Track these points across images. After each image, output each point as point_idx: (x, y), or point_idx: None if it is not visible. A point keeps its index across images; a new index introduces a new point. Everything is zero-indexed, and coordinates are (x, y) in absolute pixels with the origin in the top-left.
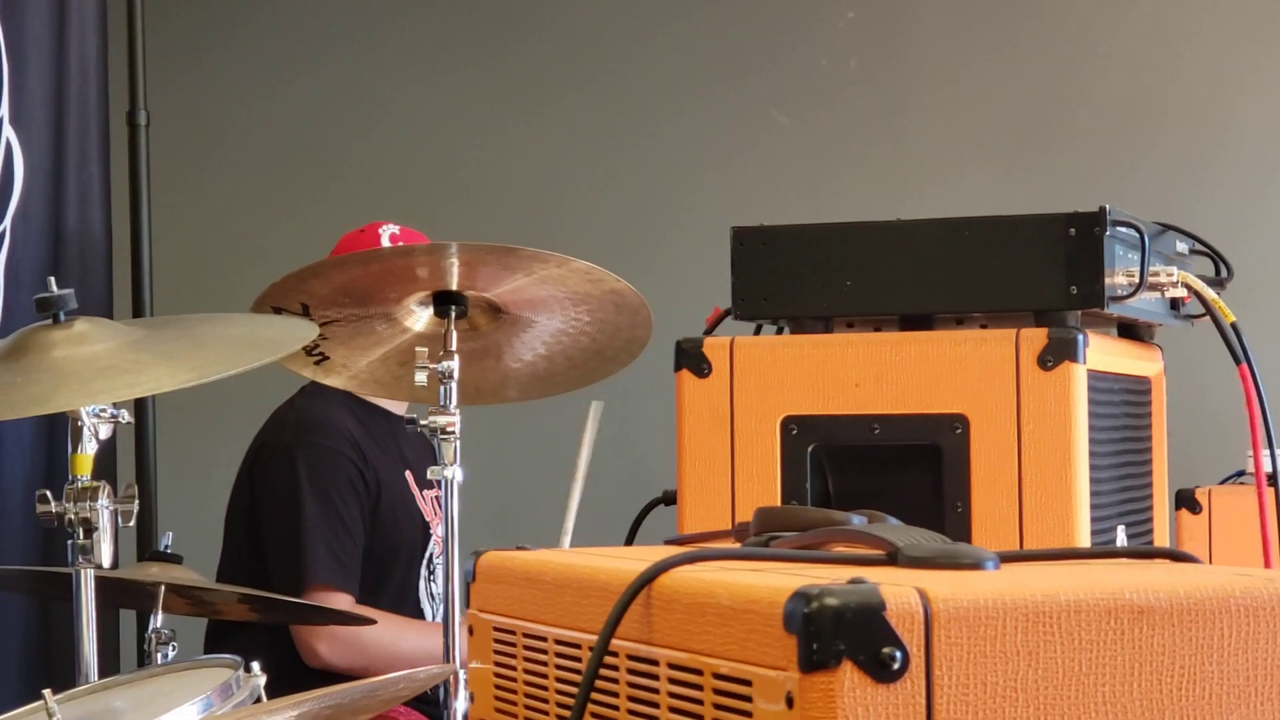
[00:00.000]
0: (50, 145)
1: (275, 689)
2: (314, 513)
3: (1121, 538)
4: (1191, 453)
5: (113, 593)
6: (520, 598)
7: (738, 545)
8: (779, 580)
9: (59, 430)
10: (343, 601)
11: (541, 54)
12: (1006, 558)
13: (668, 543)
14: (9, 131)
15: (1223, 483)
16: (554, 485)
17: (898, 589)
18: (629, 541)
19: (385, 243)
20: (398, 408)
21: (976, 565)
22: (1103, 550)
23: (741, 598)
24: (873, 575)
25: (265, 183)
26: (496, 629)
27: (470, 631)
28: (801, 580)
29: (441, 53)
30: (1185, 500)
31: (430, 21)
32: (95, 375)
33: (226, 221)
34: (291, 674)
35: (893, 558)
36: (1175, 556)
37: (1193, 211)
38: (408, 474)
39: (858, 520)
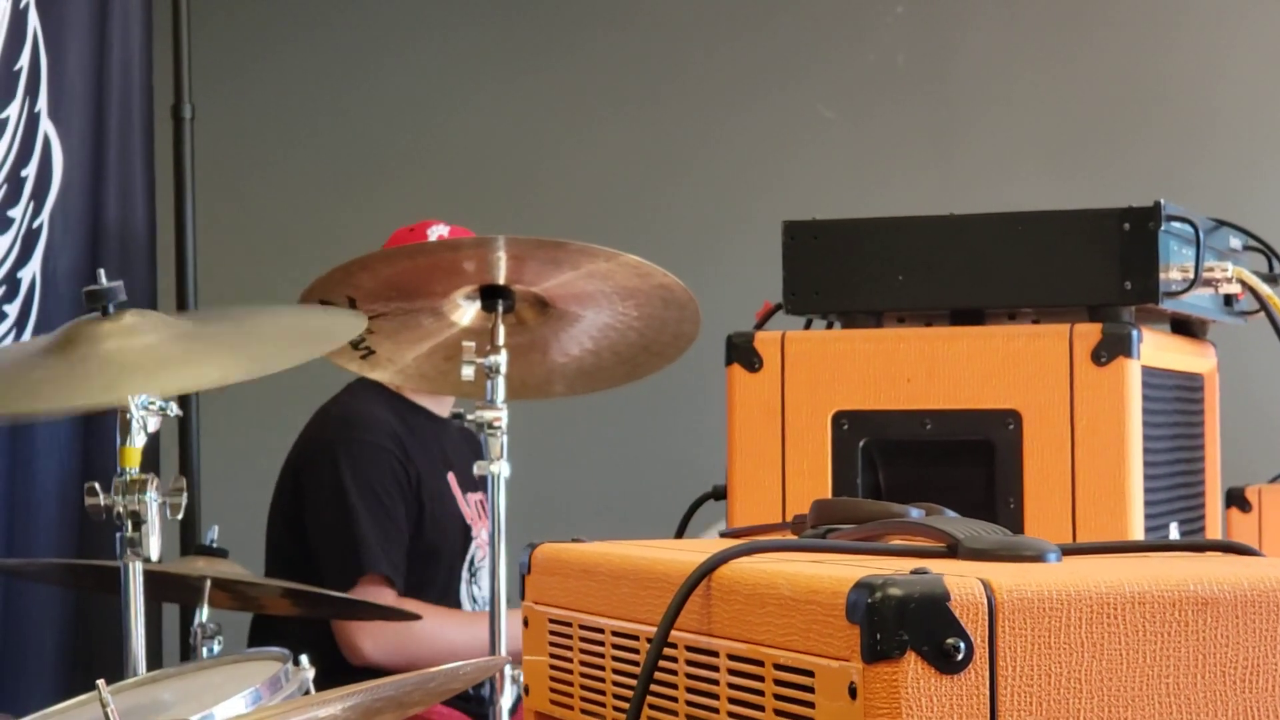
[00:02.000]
0: (91, 139)
1: (320, 686)
2: (360, 507)
3: (1175, 534)
4: (1242, 451)
5: (158, 587)
6: (576, 590)
7: (793, 538)
8: (840, 571)
9: (94, 425)
10: (390, 596)
11: (588, 55)
12: (1068, 550)
13: (723, 535)
14: (47, 125)
15: (1273, 481)
16: (599, 482)
17: (961, 579)
18: (679, 535)
19: (432, 239)
20: (442, 409)
21: (1038, 557)
22: (1163, 543)
23: (803, 588)
24: (934, 567)
25: (312, 179)
26: (552, 621)
27: (526, 624)
28: (863, 571)
29: (492, 51)
30: (1235, 499)
31: (482, 19)
32: (156, 366)
33: (272, 217)
34: (335, 671)
35: (953, 550)
36: (1236, 550)
37: (1246, 209)
38: (450, 475)
39: (916, 513)
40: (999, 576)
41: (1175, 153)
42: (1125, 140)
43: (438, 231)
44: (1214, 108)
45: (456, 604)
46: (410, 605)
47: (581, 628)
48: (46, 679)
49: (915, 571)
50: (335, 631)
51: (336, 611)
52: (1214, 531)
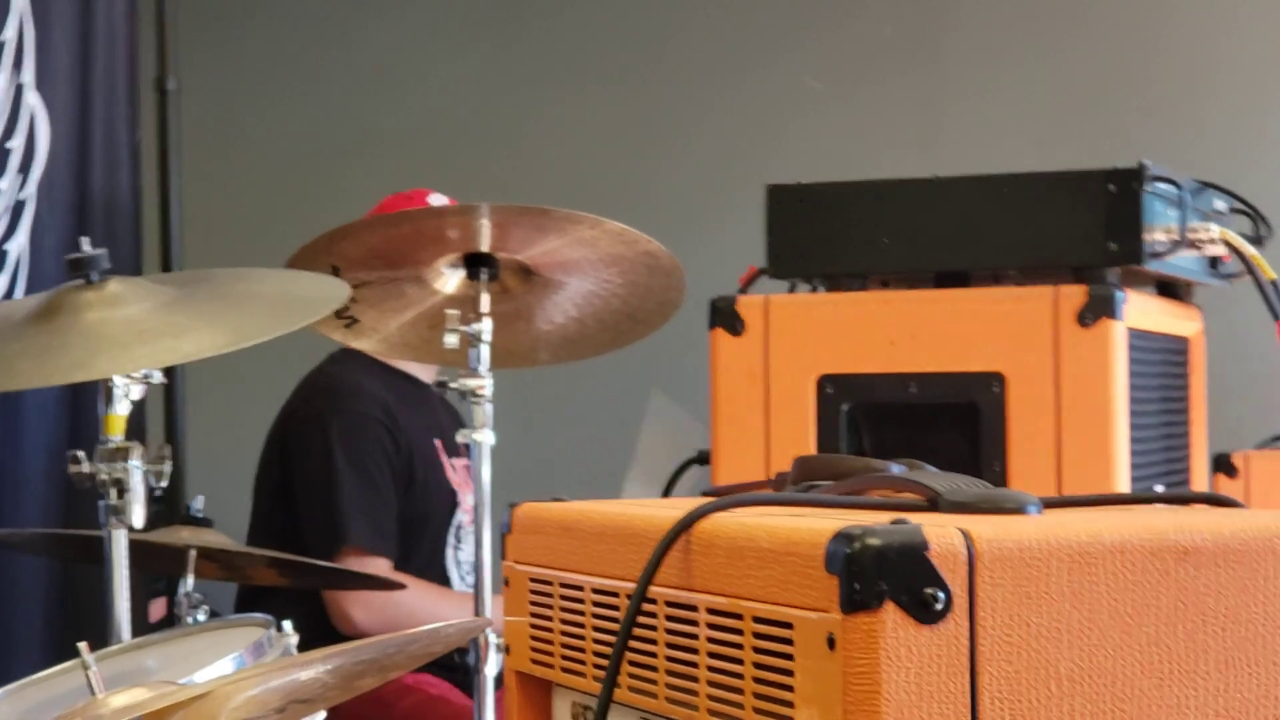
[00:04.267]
0: (76, 111)
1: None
2: (347, 477)
3: None
4: (1229, 416)
5: (143, 556)
6: (556, 548)
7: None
8: (820, 523)
9: (81, 392)
10: (379, 565)
11: (574, 21)
12: (1049, 503)
13: (704, 494)
14: (33, 97)
15: (1259, 447)
16: (585, 449)
17: (941, 530)
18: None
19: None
20: (427, 375)
21: (1019, 510)
22: (1145, 496)
23: (782, 540)
24: (914, 520)
25: (296, 149)
26: (533, 580)
27: (506, 583)
28: (843, 523)
29: (476, 18)
30: (1222, 464)
31: None
32: (134, 340)
33: (257, 188)
34: (323, 639)
35: (934, 503)
36: (1218, 501)
37: (1237, 178)
38: (437, 442)
39: (897, 469)
40: (979, 527)
41: (1166, 122)
42: (1115, 110)
43: (436, 200)
44: (1205, 75)
45: (441, 570)
46: (399, 577)
47: (562, 585)
48: (34, 648)
49: (895, 523)
50: (326, 601)
51: (322, 581)
52: None
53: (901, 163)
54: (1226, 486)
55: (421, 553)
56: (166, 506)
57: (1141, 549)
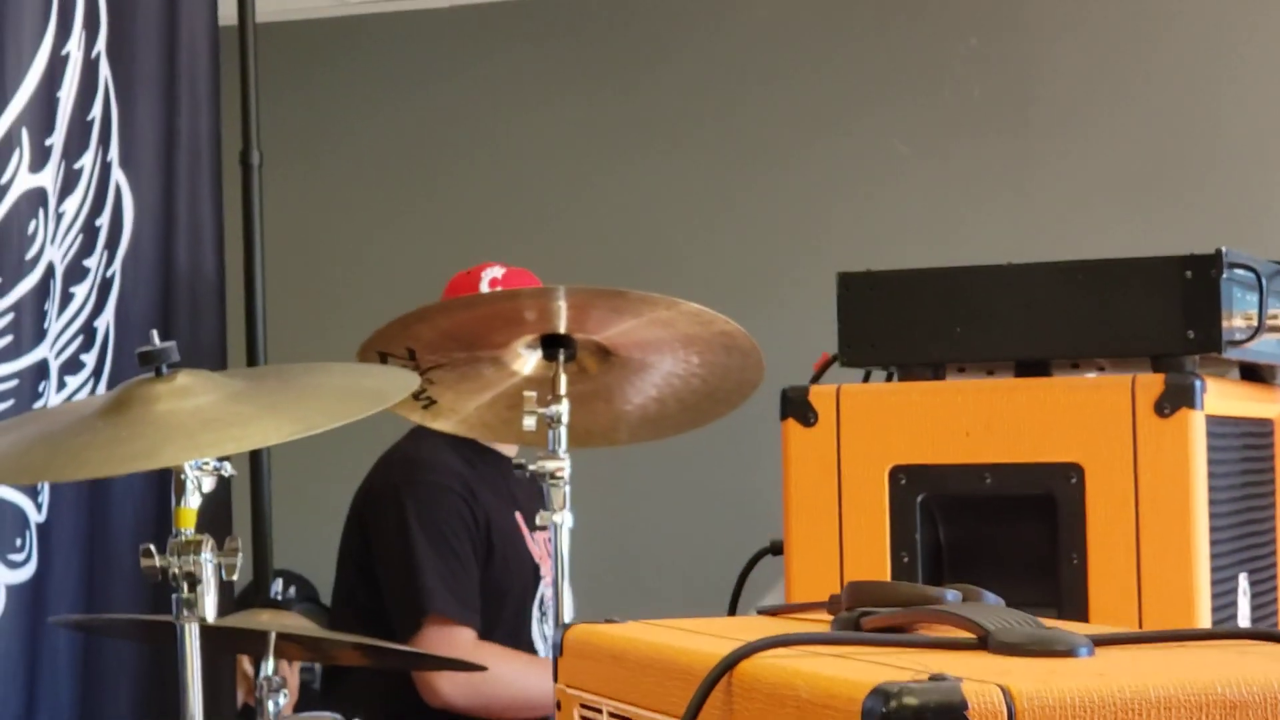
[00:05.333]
0: (161, 187)
1: None
2: (425, 548)
3: (1243, 585)
4: None
5: (226, 639)
6: (606, 675)
7: (828, 619)
8: (859, 673)
9: (168, 477)
10: (464, 635)
11: (656, 90)
12: (1101, 641)
13: (760, 613)
14: (118, 174)
15: None
16: (666, 526)
17: (980, 686)
18: (736, 592)
19: (484, 286)
20: (508, 449)
21: (1069, 653)
22: (1206, 632)
23: (820, 691)
24: (960, 663)
25: (379, 222)
26: (583, 705)
27: (558, 707)
28: (884, 671)
29: (555, 91)
30: None
31: (545, 60)
32: (200, 429)
33: (339, 260)
34: (410, 714)
35: (984, 642)
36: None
37: None
38: (517, 515)
39: (951, 597)
40: (1021, 681)
41: (1254, 188)
42: (1204, 175)
43: (491, 274)
44: None
45: (528, 643)
46: (488, 651)
47: (610, 715)
48: None
49: (934, 677)
50: (414, 674)
51: (402, 662)
52: None
53: (990, 226)
54: None
55: (505, 625)
56: (255, 587)
57: (1187, 704)
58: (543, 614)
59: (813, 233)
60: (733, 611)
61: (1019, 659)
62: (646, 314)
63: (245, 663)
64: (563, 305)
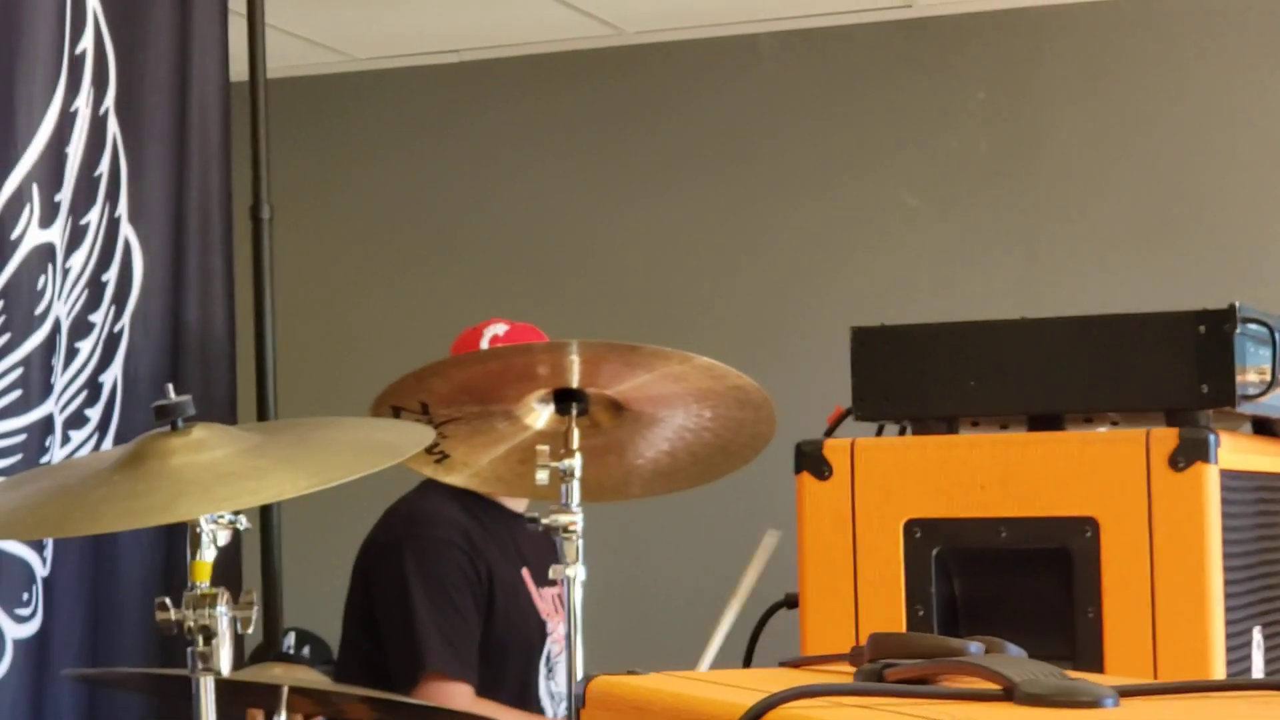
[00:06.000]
0: (170, 242)
1: None
2: (424, 602)
3: (1257, 638)
4: None
5: (238, 693)
6: None
7: (850, 671)
8: None
9: (177, 530)
10: (461, 691)
11: (664, 143)
12: (1126, 692)
13: (783, 665)
14: (127, 229)
15: None
16: (680, 580)
17: None
18: (751, 645)
19: (485, 342)
20: (516, 504)
21: (1094, 704)
22: (1226, 683)
23: None
24: (986, 715)
25: (390, 275)
26: None
27: None
28: None
29: (563, 145)
30: None
31: (553, 113)
32: (215, 482)
33: (349, 314)
34: None
35: (1009, 693)
36: None
37: None
38: (524, 571)
39: (974, 648)
40: None
41: (1265, 241)
42: (1214, 229)
43: (493, 332)
44: None
45: (535, 701)
46: (487, 707)
47: None
48: None
49: None
50: None
51: (411, 716)
52: None
53: (1000, 278)
54: None
55: (511, 681)
56: (266, 642)
57: None
58: (549, 671)
59: (823, 285)
60: (748, 664)
61: (1045, 710)
62: (659, 369)
63: (257, 718)
64: (575, 360)
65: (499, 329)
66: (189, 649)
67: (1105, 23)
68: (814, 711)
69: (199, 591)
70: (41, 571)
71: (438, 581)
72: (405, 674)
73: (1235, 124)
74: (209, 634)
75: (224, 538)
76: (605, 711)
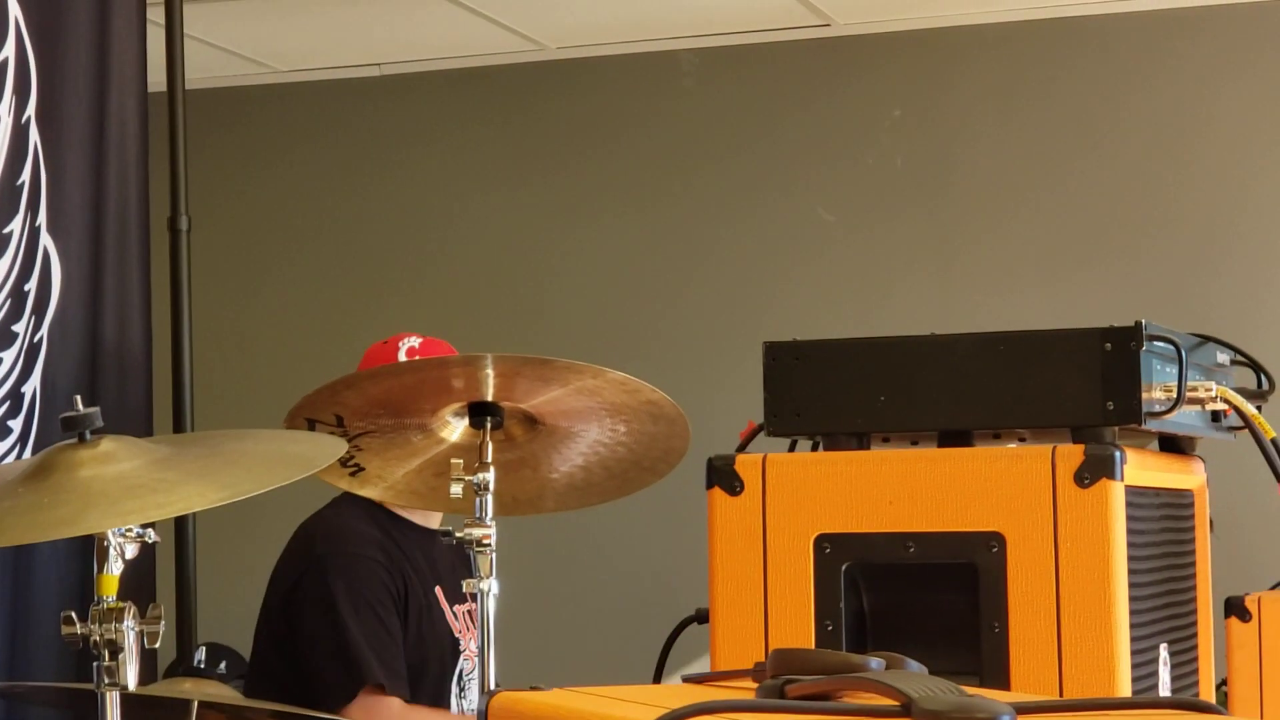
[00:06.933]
0: (89, 253)
1: None
2: (353, 618)
3: (1164, 655)
4: (1241, 558)
5: (147, 709)
6: None
7: (753, 687)
8: None
9: (92, 544)
10: (393, 704)
11: (581, 165)
12: (1023, 709)
13: (685, 680)
14: (46, 240)
15: (1275, 588)
16: (593, 594)
17: None
18: (662, 659)
19: (403, 355)
20: (429, 520)
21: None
22: (1127, 701)
23: None
24: None
25: (308, 288)
26: None
27: None
28: None
29: (481, 162)
30: (1235, 608)
31: (475, 136)
32: (123, 495)
33: (267, 328)
34: None
35: (906, 709)
36: (1197, 708)
37: (1255, 317)
38: (438, 589)
39: (875, 664)
40: None
41: (1179, 258)
42: (1128, 245)
43: (409, 344)
44: (1218, 216)
45: None
46: (411, 712)
47: None
48: None
49: None
50: None
51: None
52: (1206, 648)
53: (915, 294)
54: (1240, 630)
55: (424, 698)
56: (179, 656)
57: None
58: (462, 688)
59: (739, 301)
60: (658, 679)
61: None
62: (573, 382)
63: None
64: (490, 373)
65: (414, 341)
66: (95, 663)
67: (1020, 44)
68: None
69: (105, 605)
70: None
71: (364, 598)
72: (341, 689)
73: (1146, 144)
74: (115, 648)
75: (132, 551)
76: None
